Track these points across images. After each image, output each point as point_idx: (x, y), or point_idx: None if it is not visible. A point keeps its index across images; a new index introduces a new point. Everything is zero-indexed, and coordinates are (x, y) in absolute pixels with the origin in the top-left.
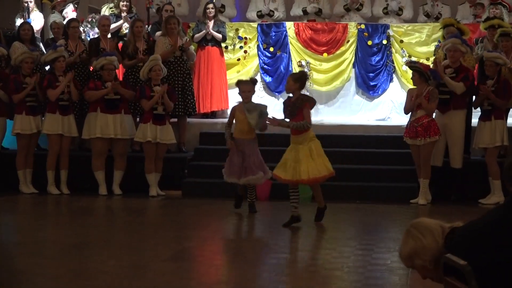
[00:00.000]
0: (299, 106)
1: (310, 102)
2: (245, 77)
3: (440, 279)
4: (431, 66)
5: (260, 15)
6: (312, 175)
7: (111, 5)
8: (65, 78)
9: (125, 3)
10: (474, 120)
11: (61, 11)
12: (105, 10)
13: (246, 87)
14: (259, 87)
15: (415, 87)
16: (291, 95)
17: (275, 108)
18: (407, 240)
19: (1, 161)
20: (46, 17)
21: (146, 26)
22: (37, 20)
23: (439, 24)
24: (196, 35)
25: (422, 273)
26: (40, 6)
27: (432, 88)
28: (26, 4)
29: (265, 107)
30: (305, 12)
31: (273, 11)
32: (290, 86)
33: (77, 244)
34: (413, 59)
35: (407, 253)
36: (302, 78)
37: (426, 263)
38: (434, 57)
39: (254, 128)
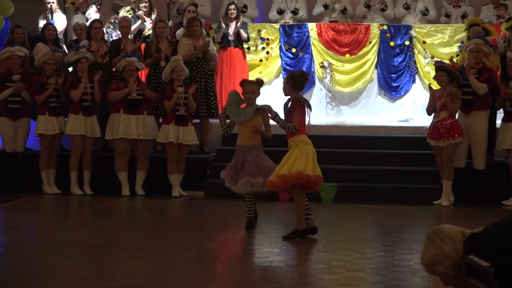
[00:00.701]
0: (289, 108)
1: (302, 106)
2: (267, 77)
3: (462, 285)
4: (458, 63)
5: (280, 12)
6: (275, 175)
7: (127, 8)
8: (94, 77)
9: (144, 4)
10: (499, 121)
11: (84, 12)
12: (123, 12)
13: (250, 87)
14: (280, 88)
15: (438, 87)
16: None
17: None
18: (428, 247)
19: (25, 162)
20: (69, 19)
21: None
22: (60, 21)
23: (464, 24)
24: (216, 35)
25: (444, 280)
26: (63, 8)
27: (456, 89)
28: (49, 5)
29: (269, 107)
30: (326, 6)
31: (297, 9)
32: (284, 88)
33: (99, 245)
34: (436, 59)
35: (428, 261)
36: (293, 77)
37: (448, 270)
38: (457, 58)
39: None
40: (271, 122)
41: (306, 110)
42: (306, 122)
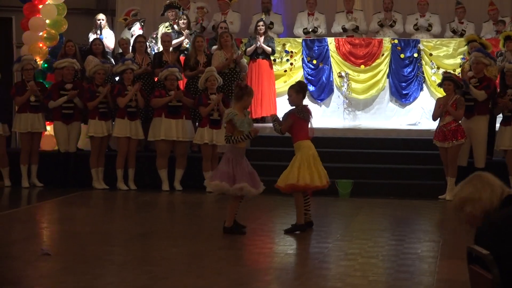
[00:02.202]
0: (286, 115)
1: (299, 114)
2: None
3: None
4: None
5: (306, 32)
6: (285, 182)
7: (167, 24)
8: (133, 87)
9: (183, 20)
10: (498, 125)
11: (129, 29)
12: (162, 29)
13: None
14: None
15: (443, 95)
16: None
17: (318, 113)
18: (467, 187)
19: (77, 161)
20: (117, 34)
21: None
22: (109, 38)
23: (464, 40)
24: (248, 49)
25: (469, 220)
26: (111, 24)
27: (459, 97)
28: (99, 22)
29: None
30: (344, 29)
31: (316, 28)
32: (293, 99)
33: (142, 234)
34: (441, 70)
35: (462, 198)
36: (303, 88)
37: (477, 212)
38: (460, 68)
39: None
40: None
41: (308, 118)
42: (309, 127)
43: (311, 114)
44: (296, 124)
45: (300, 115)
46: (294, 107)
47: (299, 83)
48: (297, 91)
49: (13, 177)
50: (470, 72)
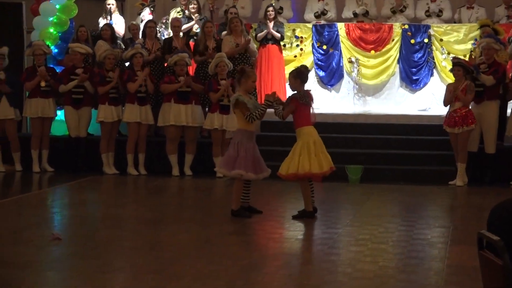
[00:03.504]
0: (287, 101)
1: (301, 99)
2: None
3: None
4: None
5: (317, 15)
6: (286, 170)
7: (178, 9)
8: (143, 73)
9: (193, 5)
10: (509, 111)
11: (139, 14)
12: (173, 14)
13: (255, 76)
14: (313, 80)
15: (453, 80)
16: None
17: (328, 99)
18: None
19: (87, 146)
20: (127, 19)
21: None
22: (119, 23)
23: (476, 24)
24: (259, 35)
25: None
26: (121, 9)
27: (469, 82)
28: (108, 7)
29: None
30: (355, 14)
31: (326, 11)
32: (292, 84)
33: (152, 219)
34: (452, 55)
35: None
36: (300, 73)
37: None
38: (470, 53)
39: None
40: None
41: (309, 103)
42: (311, 112)
43: (312, 99)
44: (298, 110)
45: (302, 100)
46: (295, 92)
47: (297, 68)
48: (294, 77)
49: (24, 162)
50: (481, 57)
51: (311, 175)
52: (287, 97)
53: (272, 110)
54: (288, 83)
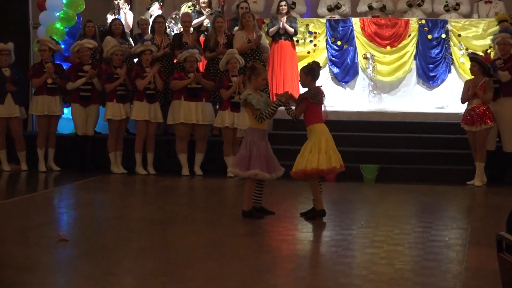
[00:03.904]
0: (298, 100)
1: (312, 99)
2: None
3: None
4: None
5: (330, 9)
6: (295, 168)
7: (189, 3)
8: (152, 69)
9: (204, 0)
10: None
11: (148, 9)
12: (184, 8)
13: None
14: (327, 77)
15: (472, 77)
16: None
17: (342, 96)
18: None
19: (95, 144)
20: (136, 14)
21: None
22: (129, 18)
23: (494, 19)
24: (270, 30)
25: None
26: (130, 4)
27: (488, 79)
28: (117, 2)
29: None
30: (370, 7)
31: (340, 4)
32: (303, 80)
33: (161, 220)
34: (470, 51)
35: None
36: (311, 70)
37: None
38: (487, 49)
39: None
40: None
41: (320, 102)
42: (322, 110)
43: (324, 96)
44: (309, 108)
45: (313, 100)
46: (306, 89)
47: (308, 65)
48: (305, 73)
49: (30, 161)
50: (496, 53)
51: (319, 172)
52: (299, 94)
53: (284, 108)
54: (299, 79)
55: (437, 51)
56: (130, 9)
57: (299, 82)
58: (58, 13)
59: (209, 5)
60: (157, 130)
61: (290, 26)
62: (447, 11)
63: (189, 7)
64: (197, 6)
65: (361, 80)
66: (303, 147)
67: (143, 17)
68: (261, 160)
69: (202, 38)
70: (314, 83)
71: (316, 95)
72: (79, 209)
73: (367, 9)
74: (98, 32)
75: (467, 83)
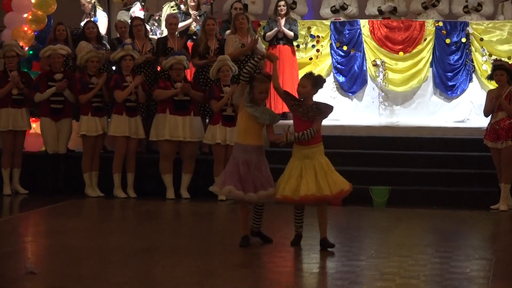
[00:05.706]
0: (312, 115)
1: (325, 114)
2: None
3: None
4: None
5: (335, 10)
6: (334, 190)
7: (172, 3)
8: (134, 81)
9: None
10: None
11: (128, 9)
12: (167, 9)
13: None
14: (331, 87)
15: (495, 87)
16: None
17: (349, 108)
18: None
19: (67, 164)
20: (113, 16)
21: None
22: (101, 19)
23: None
24: (268, 34)
25: None
26: (107, 5)
27: None
28: (90, 5)
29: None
30: (380, 11)
31: (346, 5)
32: (307, 91)
33: (143, 250)
34: (494, 58)
35: None
36: (320, 83)
37: None
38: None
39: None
40: None
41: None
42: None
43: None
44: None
45: (323, 117)
46: (302, 99)
47: (318, 76)
48: (313, 85)
49: None
50: None
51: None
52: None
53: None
54: (300, 87)
55: (456, 57)
56: (105, 9)
57: (297, 90)
58: (26, 15)
59: (198, 6)
60: (139, 148)
61: (290, 29)
62: (467, 12)
63: (171, 7)
64: (181, 6)
65: (370, 90)
66: (318, 168)
67: (122, 19)
68: (234, 175)
69: (190, 43)
70: (311, 97)
71: (327, 111)
72: (49, 238)
73: (376, 12)
74: (70, 36)
75: (490, 93)
